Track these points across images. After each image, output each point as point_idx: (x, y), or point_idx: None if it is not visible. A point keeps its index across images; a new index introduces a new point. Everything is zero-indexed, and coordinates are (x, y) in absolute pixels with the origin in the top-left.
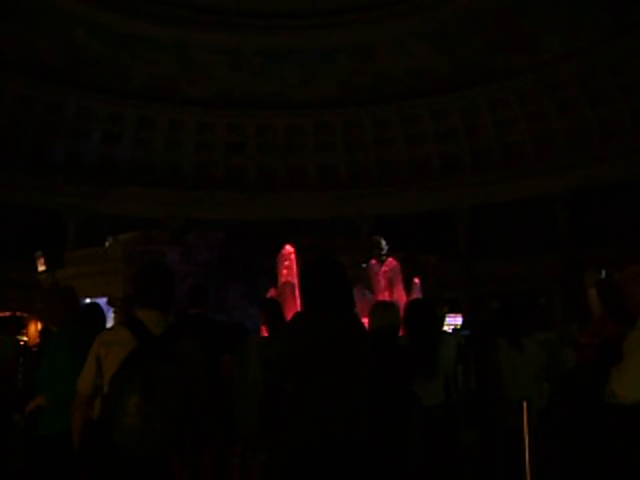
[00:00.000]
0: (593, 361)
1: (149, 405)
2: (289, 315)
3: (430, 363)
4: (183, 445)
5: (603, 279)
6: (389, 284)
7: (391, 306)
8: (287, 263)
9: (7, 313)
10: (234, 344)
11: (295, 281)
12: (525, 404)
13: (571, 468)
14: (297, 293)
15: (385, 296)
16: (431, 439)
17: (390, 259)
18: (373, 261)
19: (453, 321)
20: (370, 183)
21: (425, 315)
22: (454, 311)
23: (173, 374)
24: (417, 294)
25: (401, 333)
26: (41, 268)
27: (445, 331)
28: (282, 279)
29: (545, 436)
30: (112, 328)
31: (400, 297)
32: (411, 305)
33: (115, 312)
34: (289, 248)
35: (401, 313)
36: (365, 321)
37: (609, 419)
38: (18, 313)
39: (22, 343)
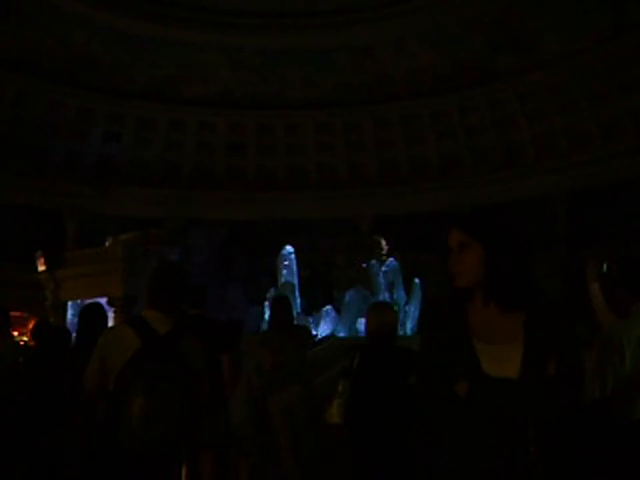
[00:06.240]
0: None
1: (153, 406)
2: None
3: None
4: (184, 446)
5: (604, 273)
6: (389, 284)
7: (387, 306)
8: (286, 263)
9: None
10: (231, 343)
11: (295, 281)
12: None
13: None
14: (297, 293)
15: (385, 296)
16: None
17: (390, 259)
18: (373, 261)
19: None
20: (370, 183)
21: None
22: None
23: (178, 375)
24: (416, 294)
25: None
26: (41, 268)
27: None
28: (282, 279)
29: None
30: (116, 327)
31: (400, 297)
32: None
33: (115, 312)
34: (288, 248)
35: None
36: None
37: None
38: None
39: (22, 342)
